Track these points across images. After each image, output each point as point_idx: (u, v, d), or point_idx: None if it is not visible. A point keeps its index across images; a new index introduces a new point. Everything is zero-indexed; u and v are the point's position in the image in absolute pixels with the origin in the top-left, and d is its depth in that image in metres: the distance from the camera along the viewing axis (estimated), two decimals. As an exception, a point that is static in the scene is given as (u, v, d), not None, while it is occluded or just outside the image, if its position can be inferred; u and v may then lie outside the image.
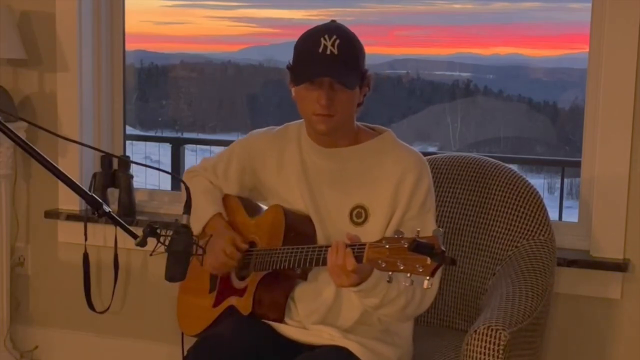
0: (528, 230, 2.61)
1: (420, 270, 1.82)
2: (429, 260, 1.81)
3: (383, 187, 2.21)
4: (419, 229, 1.91)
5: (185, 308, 2.54)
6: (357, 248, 1.97)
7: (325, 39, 2.13)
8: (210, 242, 2.31)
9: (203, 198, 2.41)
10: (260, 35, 4.55)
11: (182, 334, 2.54)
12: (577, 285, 2.88)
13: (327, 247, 2.05)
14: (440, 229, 1.87)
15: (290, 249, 2.17)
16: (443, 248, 1.82)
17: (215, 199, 2.45)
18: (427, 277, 1.81)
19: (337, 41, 2.12)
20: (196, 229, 2.38)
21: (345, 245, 1.99)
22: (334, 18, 2.23)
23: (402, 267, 1.84)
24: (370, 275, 2.02)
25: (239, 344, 2.20)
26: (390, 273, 1.87)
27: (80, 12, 3.41)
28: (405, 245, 1.84)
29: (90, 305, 3.42)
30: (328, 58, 2.12)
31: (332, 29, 2.17)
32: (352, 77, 2.15)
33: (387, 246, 1.89)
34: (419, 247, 1.81)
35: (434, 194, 2.26)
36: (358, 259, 1.96)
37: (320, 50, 2.12)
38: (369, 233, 2.14)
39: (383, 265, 1.88)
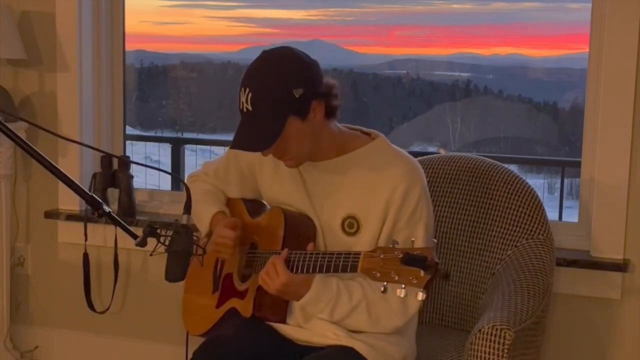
0: (527, 230, 2.61)
1: (414, 282, 1.82)
2: (422, 273, 1.81)
3: (374, 197, 2.17)
4: (413, 239, 1.91)
5: (190, 307, 2.54)
6: (352, 257, 1.97)
7: (242, 92, 2.09)
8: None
9: (203, 200, 2.41)
10: (260, 35, 4.54)
11: (187, 334, 2.54)
12: (577, 285, 2.88)
13: (325, 253, 2.06)
14: (434, 240, 1.86)
15: (291, 254, 2.15)
16: (437, 260, 1.82)
17: (217, 199, 2.44)
18: (421, 290, 1.81)
19: (250, 95, 2.07)
20: (203, 231, 2.40)
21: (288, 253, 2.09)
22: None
23: (396, 278, 1.85)
24: (306, 288, 2.11)
25: (243, 346, 2.19)
26: (385, 283, 1.87)
27: (80, 12, 3.41)
28: (400, 256, 1.84)
29: (90, 305, 3.42)
30: (245, 118, 2.09)
31: (248, 74, 2.11)
32: (270, 131, 2.06)
33: (382, 256, 1.89)
34: (411, 259, 1.81)
35: (427, 202, 2.19)
36: (353, 268, 1.97)
37: (241, 107, 2.10)
38: (362, 243, 2.14)
39: (377, 276, 1.88)
